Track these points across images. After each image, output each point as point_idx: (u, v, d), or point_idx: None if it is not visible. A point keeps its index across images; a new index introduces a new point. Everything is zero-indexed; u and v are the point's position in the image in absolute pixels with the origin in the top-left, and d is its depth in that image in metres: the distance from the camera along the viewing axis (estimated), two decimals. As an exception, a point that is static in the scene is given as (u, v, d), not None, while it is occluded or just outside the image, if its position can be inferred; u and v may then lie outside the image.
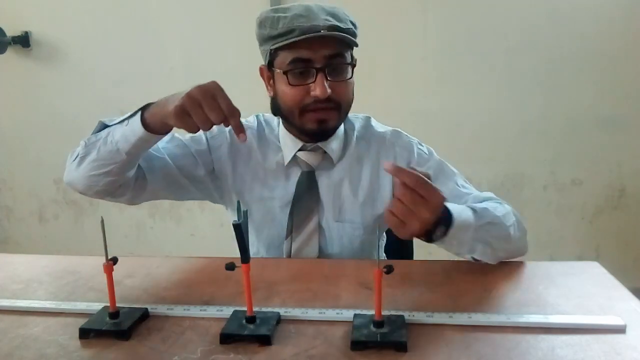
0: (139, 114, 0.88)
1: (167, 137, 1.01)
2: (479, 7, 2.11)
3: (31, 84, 2.39)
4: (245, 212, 0.64)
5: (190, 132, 0.83)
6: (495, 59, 2.14)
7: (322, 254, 1.04)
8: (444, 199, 0.74)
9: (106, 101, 2.35)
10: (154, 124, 0.87)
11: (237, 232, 0.63)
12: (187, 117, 0.80)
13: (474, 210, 0.85)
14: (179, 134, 1.04)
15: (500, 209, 0.90)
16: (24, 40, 2.31)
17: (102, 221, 0.68)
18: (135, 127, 0.88)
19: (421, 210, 0.72)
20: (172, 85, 2.49)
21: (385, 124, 1.14)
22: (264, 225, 1.06)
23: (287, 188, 1.05)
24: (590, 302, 0.74)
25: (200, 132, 0.98)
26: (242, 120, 1.10)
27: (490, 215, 0.86)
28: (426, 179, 0.72)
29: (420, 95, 2.20)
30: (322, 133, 1.01)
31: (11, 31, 2.31)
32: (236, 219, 0.63)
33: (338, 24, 0.93)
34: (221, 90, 0.82)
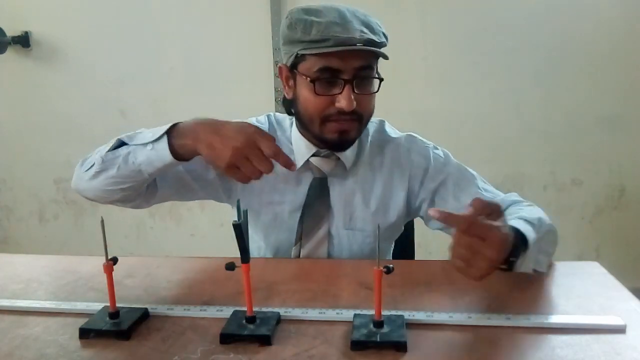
0: (165, 140, 0.86)
1: None
2: (479, 7, 2.11)
3: (31, 84, 2.39)
4: (245, 212, 0.64)
5: (243, 183, 0.85)
6: (495, 59, 2.14)
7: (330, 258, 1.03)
8: (505, 234, 0.69)
9: (106, 101, 2.35)
10: (185, 154, 0.87)
11: (237, 232, 0.63)
12: (238, 171, 0.82)
13: (529, 222, 0.81)
14: None
15: (540, 212, 0.91)
16: (24, 40, 2.31)
17: (102, 221, 0.68)
18: (162, 154, 0.86)
19: (483, 251, 0.67)
20: (172, 85, 2.51)
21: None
22: (272, 229, 1.05)
23: (297, 193, 1.04)
24: (590, 302, 0.74)
25: None
26: (252, 119, 1.09)
27: (545, 224, 0.84)
28: (479, 218, 0.67)
29: (420, 95, 2.20)
30: (342, 143, 0.99)
31: (11, 31, 2.31)
32: (236, 219, 0.63)
33: (373, 37, 0.90)
34: (261, 134, 0.83)
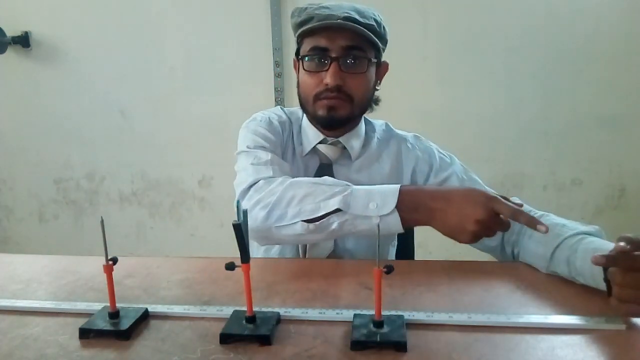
0: (397, 215, 0.81)
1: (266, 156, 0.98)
2: (479, 7, 2.11)
3: (31, 84, 2.39)
4: (245, 212, 0.64)
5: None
6: (495, 59, 2.14)
7: (337, 248, 1.03)
8: None
9: (106, 101, 2.35)
10: (414, 226, 0.86)
11: (237, 232, 0.63)
12: (479, 238, 0.80)
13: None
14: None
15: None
16: (24, 40, 2.31)
17: (102, 221, 0.68)
18: (392, 227, 0.83)
19: None
20: (172, 85, 2.51)
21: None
22: None
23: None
24: (590, 302, 0.74)
25: (267, 133, 1.04)
26: (259, 113, 1.11)
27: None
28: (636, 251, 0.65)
29: (420, 95, 2.20)
30: (331, 120, 1.01)
31: (11, 31, 2.31)
32: (236, 219, 0.63)
33: (357, 17, 0.95)
34: (495, 200, 0.78)
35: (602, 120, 2.16)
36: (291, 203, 0.85)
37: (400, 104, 2.18)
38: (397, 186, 0.83)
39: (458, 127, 2.19)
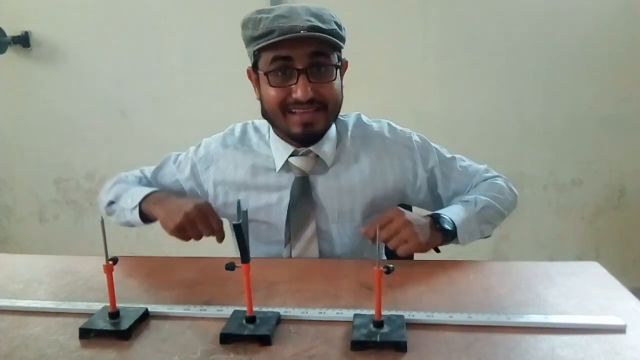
0: (137, 211, 1.02)
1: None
2: (479, 7, 2.11)
3: (31, 84, 2.39)
4: (245, 212, 0.64)
5: (183, 241, 0.96)
6: (495, 59, 2.14)
7: (323, 257, 1.03)
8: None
9: (106, 101, 2.35)
10: (152, 219, 1.03)
11: (237, 232, 0.63)
12: (184, 232, 0.95)
13: (465, 202, 1.01)
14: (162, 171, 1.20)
15: (490, 187, 1.07)
16: (24, 40, 2.31)
17: (102, 221, 0.68)
18: (136, 220, 1.04)
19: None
20: (172, 85, 2.50)
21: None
22: (263, 237, 1.05)
23: (281, 195, 1.03)
24: (590, 302, 0.74)
25: (188, 160, 1.14)
26: (217, 135, 1.17)
27: (480, 201, 1.01)
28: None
29: (420, 96, 2.20)
30: (309, 136, 0.98)
31: (11, 31, 2.30)
32: (236, 219, 0.63)
33: (320, 24, 0.90)
34: (212, 210, 0.96)
35: (602, 120, 2.16)
36: (106, 189, 1.12)
37: (400, 105, 2.19)
38: (149, 190, 1.04)
39: (458, 127, 2.19)
